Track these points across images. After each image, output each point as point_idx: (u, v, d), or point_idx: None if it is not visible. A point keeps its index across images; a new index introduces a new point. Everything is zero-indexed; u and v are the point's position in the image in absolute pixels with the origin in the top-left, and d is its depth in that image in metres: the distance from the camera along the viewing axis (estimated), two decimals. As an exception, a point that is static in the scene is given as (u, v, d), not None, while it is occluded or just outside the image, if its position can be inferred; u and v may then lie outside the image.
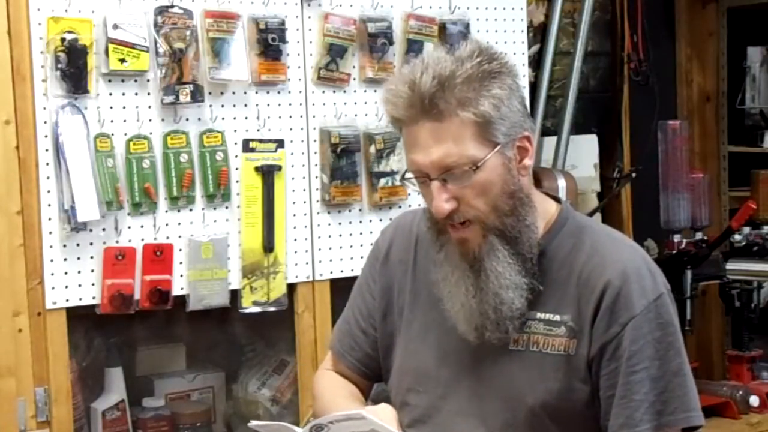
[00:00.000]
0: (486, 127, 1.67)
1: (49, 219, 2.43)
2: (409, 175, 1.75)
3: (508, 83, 1.70)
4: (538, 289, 1.75)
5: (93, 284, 2.48)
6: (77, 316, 2.53)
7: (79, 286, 2.47)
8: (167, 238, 2.56)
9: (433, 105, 1.65)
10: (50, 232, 2.44)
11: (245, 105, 2.67)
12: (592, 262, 1.75)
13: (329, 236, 2.78)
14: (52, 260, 2.44)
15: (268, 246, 2.67)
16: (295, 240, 2.74)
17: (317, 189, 2.77)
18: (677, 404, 1.71)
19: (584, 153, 3.66)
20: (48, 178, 2.43)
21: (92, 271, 2.48)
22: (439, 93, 1.65)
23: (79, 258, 2.47)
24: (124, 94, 2.51)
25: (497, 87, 1.68)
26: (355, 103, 2.81)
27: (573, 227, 1.80)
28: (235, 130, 2.65)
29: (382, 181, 2.81)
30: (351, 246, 2.80)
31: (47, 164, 2.42)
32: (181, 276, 2.58)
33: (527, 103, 1.73)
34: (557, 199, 1.87)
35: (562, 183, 3.32)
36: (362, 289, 2.00)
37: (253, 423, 1.81)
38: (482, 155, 1.68)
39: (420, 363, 1.85)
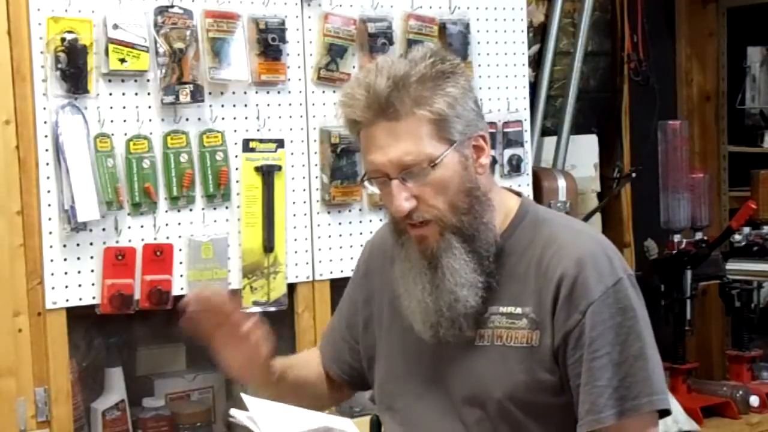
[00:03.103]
0: (442, 125, 1.70)
1: (49, 219, 2.43)
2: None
3: (461, 83, 1.73)
4: (494, 287, 1.77)
5: (93, 284, 2.48)
6: (77, 316, 2.53)
7: (79, 286, 2.47)
8: (167, 238, 2.56)
9: (390, 104, 1.68)
10: (50, 232, 2.44)
11: (245, 105, 2.67)
12: (549, 252, 1.76)
13: (329, 236, 2.78)
14: (52, 260, 2.44)
15: (268, 246, 2.67)
16: (295, 240, 2.74)
17: (317, 189, 2.77)
18: (640, 389, 1.71)
19: (584, 153, 3.66)
20: (48, 178, 2.43)
21: (92, 271, 2.48)
22: (395, 93, 1.68)
23: (79, 258, 2.47)
24: (124, 94, 2.51)
25: (451, 86, 1.71)
26: (355, 103, 2.80)
27: (532, 220, 1.82)
28: (235, 130, 2.65)
29: (382, 181, 2.81)
30: (351, 246, 2.79)
31: (47, 164, 2.42)
32: (181, 276, 2.58)
33: (480, 104, 1.79)
34: (518, 194, 1.89)
35: (562, 183, 3.32)
36: (346, 302, 2.04)
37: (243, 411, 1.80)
38: (439, 152, 1.70)
39: (398, 367, 1.88)
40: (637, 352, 1.72)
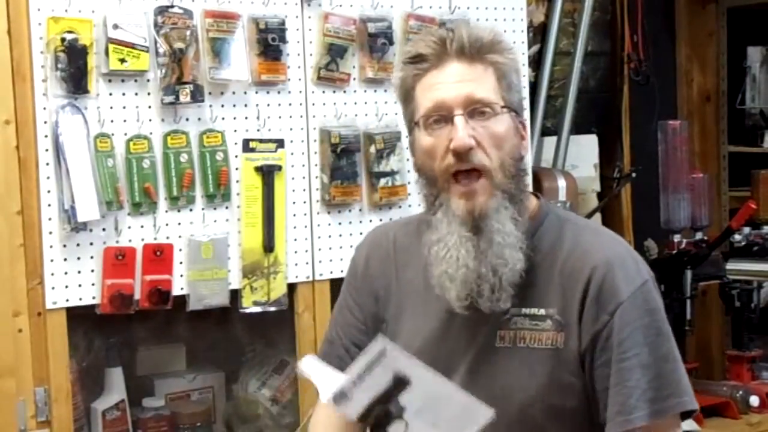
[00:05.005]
0: (504, 82, 1.76)
1: (49, 219, 2.43)
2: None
3: (519, 60, 1.83)
4: (528, 275, 1.75)
5: (93, 284, 2.48)
6: (77, 316, 2.53)
7: (79, 286, 2.47)
8: (167, 238, 2.56)
9: (470, 46, 1.74)
10: (50, 232, 2.43)
11: (245, 105, 2.67)
12: (575, 254, 1.76)
13: (329, 236, 2.78)
14: (52, 260, 2.44)
15: (268, 246, 2.67)
16: (295, 240, 2.74)
17: (317, 189, 2.77)
18: (670, 390, 1.71)
19: (584, 153, 3.66)
20: (48, 178, 2.42)
21: (92, 271, 2.48)
22: (472, 40, 1.75)
23: (79, 258, 2.47)
24: (124, 94, 2.51)
25: (514, 56, 1.80)
26: (355, 103, 2.81)
27: (554, 221, 1.82)
28: (235, 130, 2.65)
29: (382, 181, 2.81)
30: (351, 246, 2.78)
31: (47, 164, 2.42)
32: (181, 276, 2.58)
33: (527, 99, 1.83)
34: (536, 195, 1.89)
35: (562, 183, 3.32)
36: (343, 308, 2.00)
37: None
38: (502, 103, 1.75)
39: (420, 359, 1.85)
40: (666, 352, 1.72)
